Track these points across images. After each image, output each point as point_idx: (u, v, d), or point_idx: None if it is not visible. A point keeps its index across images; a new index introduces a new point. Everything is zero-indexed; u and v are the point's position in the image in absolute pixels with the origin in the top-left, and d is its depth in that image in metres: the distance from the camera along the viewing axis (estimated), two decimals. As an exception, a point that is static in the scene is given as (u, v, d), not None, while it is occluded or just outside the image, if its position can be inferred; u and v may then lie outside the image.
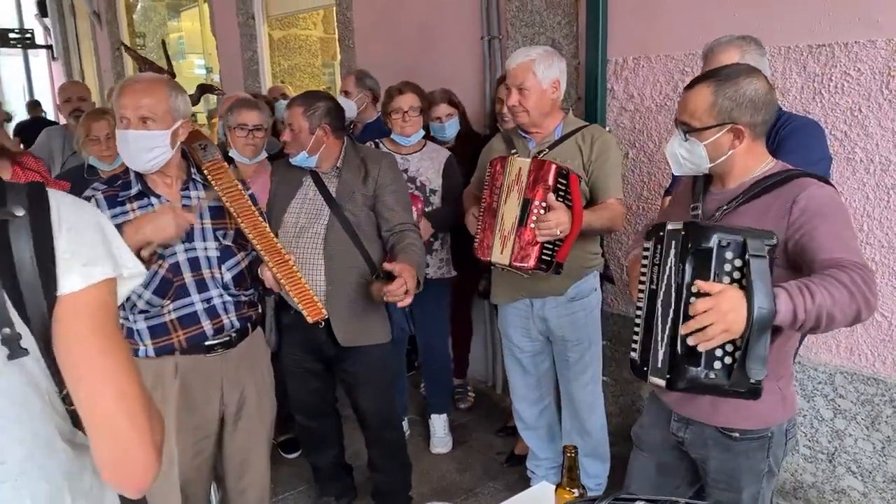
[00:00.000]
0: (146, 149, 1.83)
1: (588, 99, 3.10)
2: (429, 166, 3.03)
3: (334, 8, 4.58)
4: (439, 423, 3.30)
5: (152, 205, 1.90)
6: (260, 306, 2.16)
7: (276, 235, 2.33)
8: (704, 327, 1.31)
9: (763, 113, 1.55)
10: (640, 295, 1.60)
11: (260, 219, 2.00)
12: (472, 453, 3.24)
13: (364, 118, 3.67)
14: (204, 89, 4.23)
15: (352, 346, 2.41)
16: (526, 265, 2.20)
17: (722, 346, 1.37)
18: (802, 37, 2.43)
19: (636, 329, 1.61)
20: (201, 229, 1.96)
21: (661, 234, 1.53)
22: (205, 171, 1.99)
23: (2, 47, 9.76)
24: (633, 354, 1.62)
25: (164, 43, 5.25)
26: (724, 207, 1.60)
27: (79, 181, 2.99)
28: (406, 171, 3.00)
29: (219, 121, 3.13)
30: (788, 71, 2.48)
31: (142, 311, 1.90)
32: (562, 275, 2.32)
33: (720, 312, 1.29)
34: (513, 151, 2.44)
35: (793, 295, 1.31)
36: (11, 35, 9.61)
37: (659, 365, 1.49)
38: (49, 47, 10.06)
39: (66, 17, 9.52)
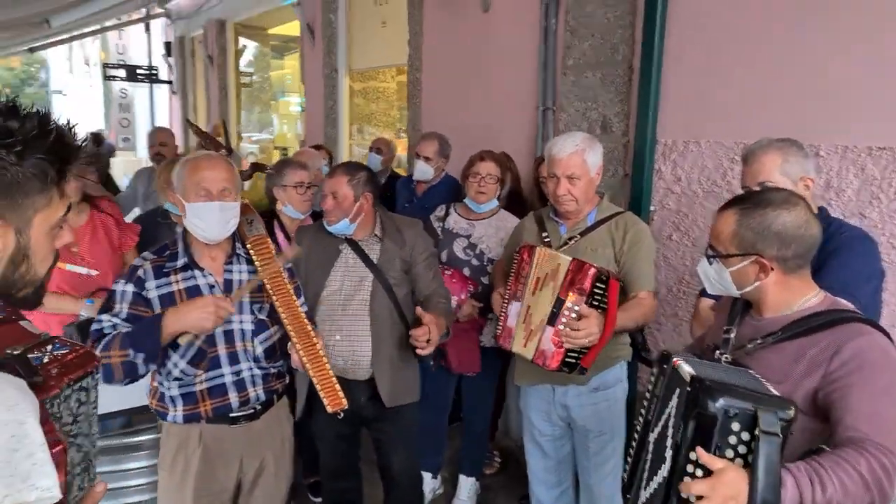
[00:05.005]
0: (227, 219, 1.83)
1: (635, 177, 2.88)
2: (492, 235, 2.86)
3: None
4: (466, 486, 3.11)
5: (195, 277, 1.86)
6: (287, 377, 2.08)
7: (318, 301, 2.30)
8: None
9: (794, 247, 1.34)
10: (640, 418, 1.44)
11: (293, 298, 1.91)
12: (493, 520, 3.03)
13: (432, 180, 3.55)
14: (256, 168, 4.27)
15: (392, 406, 2.31)
16: (548, 366, 2.01)
17: None
18: (861, 138, 2.14)
19: (630, 451, 1.46)
20: (239, 303, 1.90)
21: (665, 365, 1.36)
22: (248, 246, 1.94)
23: (131, 81, 10.41)
24: (623, 474, 1.48)
25: (224, 123, 5.37)
26: (759, 341, 1.38)
27: (152, 225, 3.03)
28: (469, 237, 2.87)
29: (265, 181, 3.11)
30: (844, 171, 2.20)
31: (176, 379, 1.86)
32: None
33: (718, 499, 1.07)
34: (544, 236, 2.26)
35: (801, 485, 1.08)
36: (139, 71, 10.25)
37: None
38: (170, 82, 10.63)
39: (186, 58, 10.04)
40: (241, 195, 1.97)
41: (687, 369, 1.26)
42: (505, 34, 3.65)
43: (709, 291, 1.54)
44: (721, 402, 1.14)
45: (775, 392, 1.25)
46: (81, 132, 1.00)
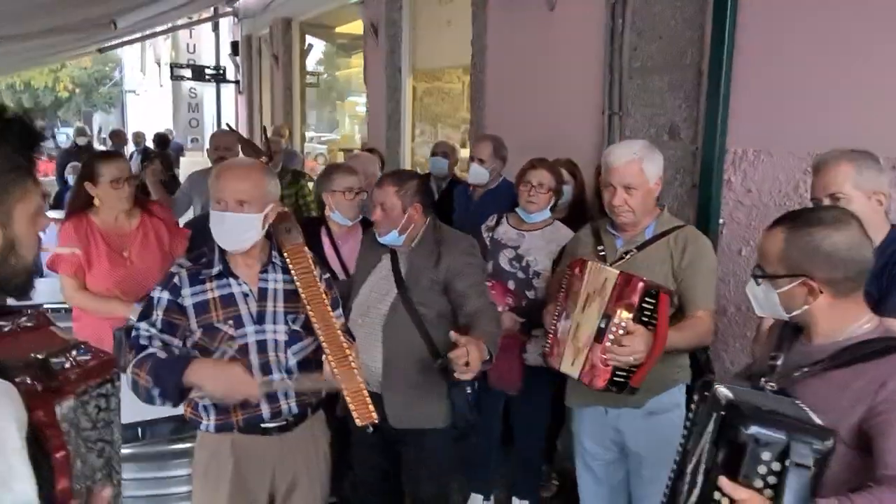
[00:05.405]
0: (240, 231, 1.80)
1: (703, 187, 2.74)
2: (542, 247, 2.71)
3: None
4: (519, 508, 3.01)
5: (230, 285, 1.85)
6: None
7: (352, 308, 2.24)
8: None
9: (844, 270, 1.27)
10: (679, 447, 1.41)
11: (328, 309, 1.86)
12: (547, 545, 2.91)
13: (488, 185, 3.47)
14: (296, 175, 4.32)
15: (407, 429, 2.22)
16: (594, 385, 1.92)
17: None
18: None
19: (669, 477, 1.42)
20: (273, 312, 1.87)
21: (706, 393, 1.32)
22: (285, 255, 1.90)
23: (197, 80, 10.76)
24: (662, 499, 1.44)
25: (263, 130, 5.45)
26: (806, 369, 1.31)
27: (203, 228, 3.07)
28: (517, 248, 2.74)
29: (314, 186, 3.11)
30: (927, 187, 2.00)
31: None
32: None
33: None
34: (599, 249, 2.17)
35: None
36: (207, 71, 10.58)
37: None
38: (237, 82, 10.91)
39: (253, 58, 10.28)
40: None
41: (724, 393, 1.23)
42: (570, 34, 3.54)
43: (757, 313, 1.48)
44: (752, 430, 1.13)
45: (819, 422, 1.19)
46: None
